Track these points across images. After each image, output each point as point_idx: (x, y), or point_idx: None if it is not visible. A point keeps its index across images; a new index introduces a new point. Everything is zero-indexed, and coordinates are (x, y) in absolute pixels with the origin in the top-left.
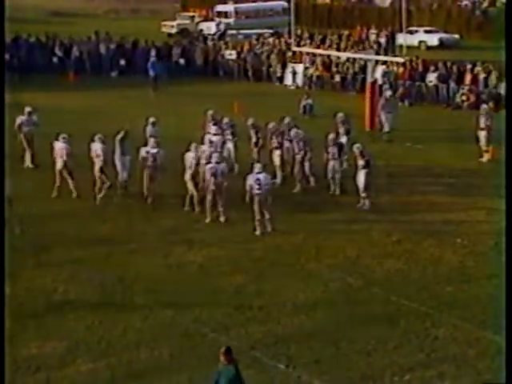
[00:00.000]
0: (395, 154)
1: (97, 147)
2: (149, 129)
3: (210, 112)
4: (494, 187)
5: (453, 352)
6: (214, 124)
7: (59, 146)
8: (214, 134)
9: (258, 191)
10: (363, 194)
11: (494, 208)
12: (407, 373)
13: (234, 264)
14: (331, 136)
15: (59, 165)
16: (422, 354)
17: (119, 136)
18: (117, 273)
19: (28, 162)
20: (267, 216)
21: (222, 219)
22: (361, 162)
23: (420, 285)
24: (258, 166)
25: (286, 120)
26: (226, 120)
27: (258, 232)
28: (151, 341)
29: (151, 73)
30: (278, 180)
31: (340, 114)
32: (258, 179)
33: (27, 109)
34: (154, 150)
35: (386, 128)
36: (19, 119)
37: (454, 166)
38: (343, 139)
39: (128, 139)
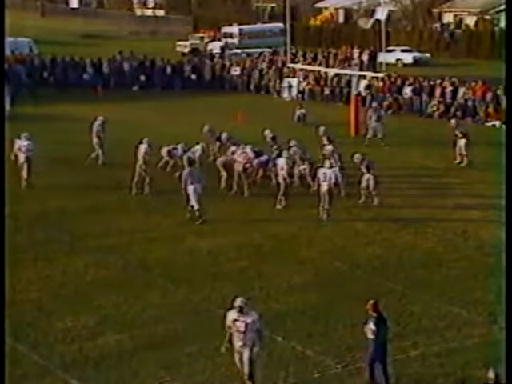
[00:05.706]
0: (376, 157)
1: (143, 147)
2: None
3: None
4: (461, 184)
5: (425, 325)
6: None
7: (143, 147)
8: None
9: (324, 183)
10: (374, 193)
11: (461, 202)
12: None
13: (238, 250)
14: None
15: (139, 162)
16: (399, 327)
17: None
18: (138, 258)
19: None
20: (326, 206)
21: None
22: (363, 168)
23: (397, 268)
24: (327, 163)
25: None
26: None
27: (320, 217)
28: (167, 316)
29: (89, 80)
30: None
31: (322, 128)
32: (324, 173)
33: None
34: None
35: (369, 135)
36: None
37: (427, 166)
38: (329, 147)
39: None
